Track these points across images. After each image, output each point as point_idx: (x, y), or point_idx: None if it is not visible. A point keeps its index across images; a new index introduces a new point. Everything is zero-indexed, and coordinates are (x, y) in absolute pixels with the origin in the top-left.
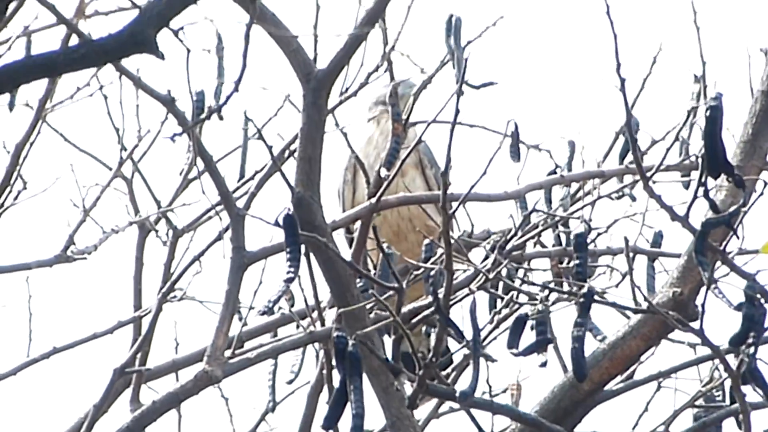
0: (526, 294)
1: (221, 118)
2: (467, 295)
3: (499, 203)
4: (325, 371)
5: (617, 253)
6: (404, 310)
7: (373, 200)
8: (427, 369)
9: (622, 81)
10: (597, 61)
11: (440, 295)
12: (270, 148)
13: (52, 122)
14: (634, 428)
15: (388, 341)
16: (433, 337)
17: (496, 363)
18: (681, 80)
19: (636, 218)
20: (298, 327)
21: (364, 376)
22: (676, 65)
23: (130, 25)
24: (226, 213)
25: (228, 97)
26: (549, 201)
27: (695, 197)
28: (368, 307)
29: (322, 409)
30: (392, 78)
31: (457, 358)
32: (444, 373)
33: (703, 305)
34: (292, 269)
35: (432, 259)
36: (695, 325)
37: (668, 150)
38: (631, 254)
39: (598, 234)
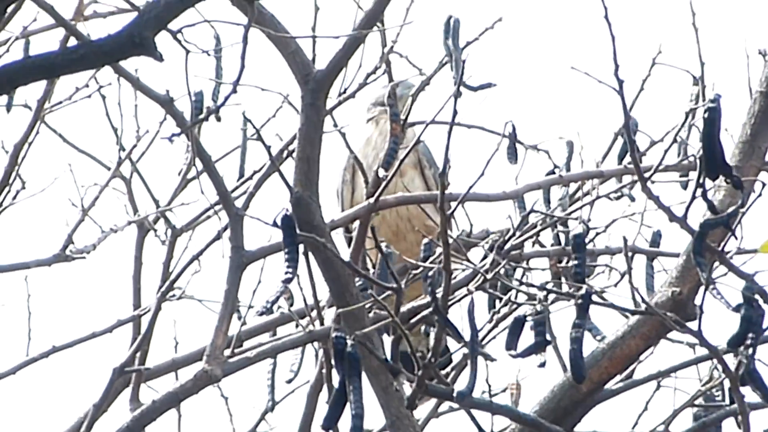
0: (524, 294)
1: (219, 119)
2: (466, 294)
3: (497, 203)
4: (324, 370)
5: (616, 252)
6: (403, 309)
7: (372, 200)
8: (426, 369)
9: (620, 83)
10: (596, 62)
11: (439, 295)
12: (268, 148)
13: (51, 123)
14: (633, 428)
15: (387, 341)
16: (432, 336)
17: (496, 362)
18: (680, 81)
19: (634, 218)
20: (297, 326)
21: (364, 376)
22: (675, 66)
23: (128, 26)
24: (224, 213)
25: (226, 98)
26: (548, 201)
27: (693, 198)
28: (367, 306)
29: (322, 408)
30: (391, 79)
31: (456, 358)
32: (443, 372)
33: (701, 306)
34: (290, 270)
35: (431, 259)
36: (694, 325)
37: (667, 151)
38: (629, 254)
39: (597, 234)
